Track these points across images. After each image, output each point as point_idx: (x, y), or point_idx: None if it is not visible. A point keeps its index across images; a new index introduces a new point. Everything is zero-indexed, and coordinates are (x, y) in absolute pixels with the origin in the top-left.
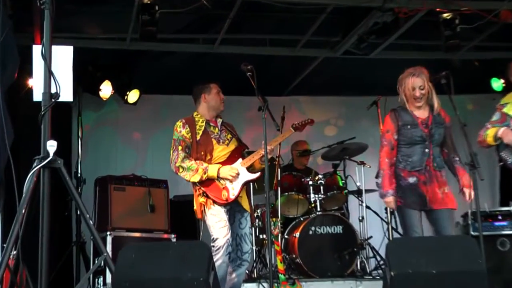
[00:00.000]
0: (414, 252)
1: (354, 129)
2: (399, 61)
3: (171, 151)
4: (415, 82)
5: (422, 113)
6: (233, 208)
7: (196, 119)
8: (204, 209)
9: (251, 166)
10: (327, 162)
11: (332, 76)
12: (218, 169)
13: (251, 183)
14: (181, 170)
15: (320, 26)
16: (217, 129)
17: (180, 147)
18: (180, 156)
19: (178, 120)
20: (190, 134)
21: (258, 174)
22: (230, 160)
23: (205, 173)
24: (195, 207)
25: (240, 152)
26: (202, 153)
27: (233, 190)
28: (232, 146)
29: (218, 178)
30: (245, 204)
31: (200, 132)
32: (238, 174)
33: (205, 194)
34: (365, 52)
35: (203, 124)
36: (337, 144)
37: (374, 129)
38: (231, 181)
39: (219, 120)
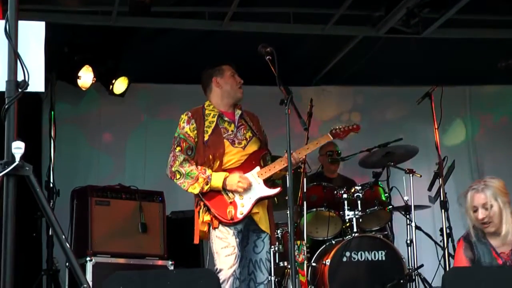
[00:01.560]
0: (478, 285)
1: (400, 128)
2: (460, 42)
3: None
4: (477, 200)
5: (502, 244)
6: (247, 227)
7: (207, 111)
8: (209, 230)
9: (270, 178)
10: (366, 170)
11: (373, 61)
12: (224, 179)
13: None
14: (178, 176)
15: None
16: (233, 125)
17: (178, 148)
18: (178, 159)
19: (184, 113)
20: (195, 132)
21: (278, 190)
22: (245, 166)
23: (207, 184)
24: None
25: (260, 157)
26: (210, 157)
27: (243, 207)
28: (250, 149)
29: (225, 190)
30: (263, 223)
31: (210, 130)
32: (249, 186)
33: (208, 210)
34: (416, 30)
35: (215, 119)
36: (379, 148)
37: (426, 129)
38: (241, 195)
39: (238, 112)
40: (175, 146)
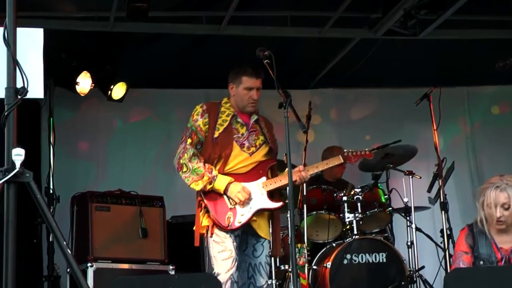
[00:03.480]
0: (480, 286)
1: (399, 130)
2: (457, 43)
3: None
4: (498, 198)
5: (506, 241)
6: (245, 231)
7: (223, 108)
8: (207, 234)
9: (276, 190)
10: (365, 173)
11: (371, 63)
12: (228, 184)
13: None
14: (184, 169)
15: None
16: (245, 128)
17: (189, 140)
18: (188, 152)
19: (199, 104)
20: (207, 126)
21: (279, 204)
22: (251, 174)
23: (210, 183)
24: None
25: (268, 167)
26: (216, 155)
27: (242, 216)
28: (258, 156)
29: (226, 195)
30: (262, 230)
31: (221, 128)
32: (249, 198)
33: (207, 212)
34: (413, 31)
35: (229, 118)
36: (378, 149)
37: (425, 130)
38: (242, 204)
39: (254, 117)
40: (186, 138)
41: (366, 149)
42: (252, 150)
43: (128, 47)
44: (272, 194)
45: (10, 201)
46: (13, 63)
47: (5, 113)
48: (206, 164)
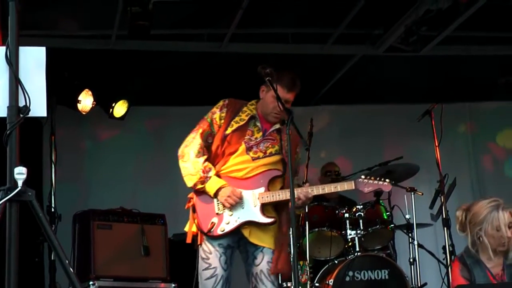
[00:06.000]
0: None
1: (400, 146)
2: (459, 59)
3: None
4: (506, 218)
5: (495, 265)
6: (243, 239)
7: (245, 108)
8: (198, 240)
9: (271, 205)
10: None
11: (373, 79)
12: (220, 188)
13: None
14: (185, 158)
15: (357, 15)
16: (261, 134)
17: (201, 130)
18: (195, 141)
19: (223, 98)
20: (222, 121)
21: (271, 220)
22: (251, 182)
23: (202, 183)
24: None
25: (270, 177)
26: (222, 151)
27: (227, 224)
28: (261, 163)
29: (216, 198)
30: (254, 238)
31: (235, 126)
32: (239, 204)
33: (194, 211)
34: (415, 47)
35: (247, 118)
36: (380, 166)
37: (427, 146)
38: (231, 211)
39: (275, 126)
40: (199, 127)
41: (387, 180)
42: (259, 155)
43: (130, 65)
44: (267, 209)
45: (12, 219)
46: (15, 82)
47: (8, 132)
48: (206, 162)
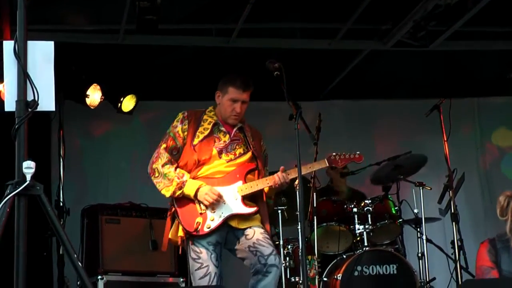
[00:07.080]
0: None
1: (409, 141)
2: (467, 54)
3: None
4: None
5: None
6: (231, 231)
7: (205, 116)
8: (188, 243)
9: (251, 196)
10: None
11: (381, 74)
12: (198, 188)
13: (279, 211)
14: (156, 174)
15: (365, 10)
16: (227, 136)
17: (164, 145)
18: (161, 157)
19: (182, 111)
20: (186, 133)
21: (253, 209)
22: (228, 179)
23: (180, 189)
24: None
25: (245, 171)
26: (194, 162)
27: (212, 221)
28: (236, 164)
29: (196, 199)
30: (243, 224)
31: (201, 136)
32: (218, 199)
33: (175, 218)
34: (423, 42)
35: (210, 126)
36: (388, 161)
37: (435, 142)
38: (213, 209)
39: (237, 125)
40: (162, 143)
41: (357, 152)
42: (231, 157)
43: (138, 59)
44: (248, 199)
45: (20, 213)
46: (24, 76)
47: (16, 126)
48: (178, 169)
